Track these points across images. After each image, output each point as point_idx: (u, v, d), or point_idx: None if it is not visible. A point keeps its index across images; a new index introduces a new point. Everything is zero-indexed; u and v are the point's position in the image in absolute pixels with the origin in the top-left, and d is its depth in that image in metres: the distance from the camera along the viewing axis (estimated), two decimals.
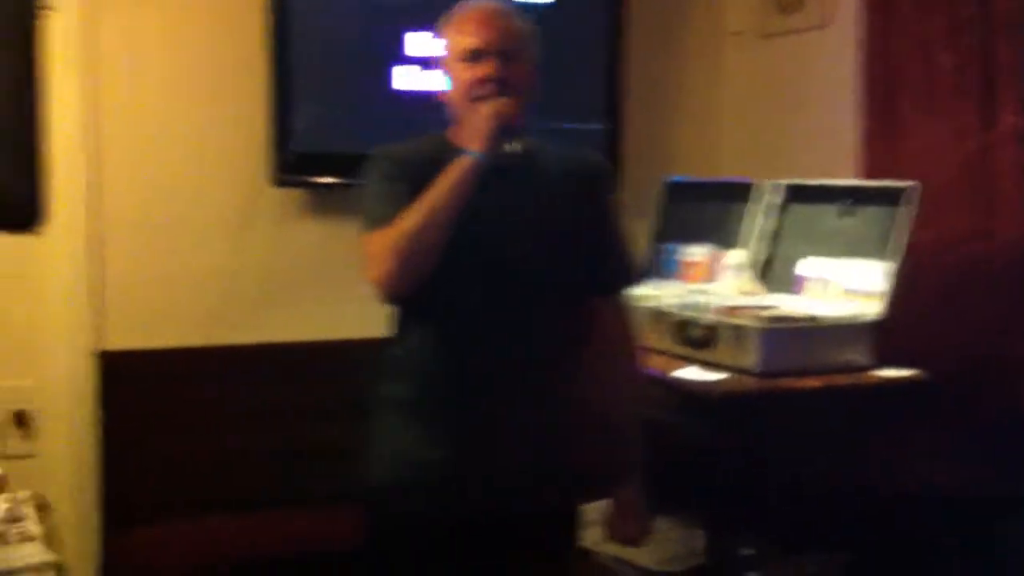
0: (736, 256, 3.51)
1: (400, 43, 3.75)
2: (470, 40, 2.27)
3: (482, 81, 2.25)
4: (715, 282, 3.55)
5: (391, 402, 2.33)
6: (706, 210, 3.78)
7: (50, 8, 1.59)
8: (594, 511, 2.57)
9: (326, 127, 3.69)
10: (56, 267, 3.45)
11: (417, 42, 3.74)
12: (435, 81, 3.65)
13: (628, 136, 4.08)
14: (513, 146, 2.21)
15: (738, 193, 3.65)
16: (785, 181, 3.51)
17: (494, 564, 2.31)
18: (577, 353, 2.40)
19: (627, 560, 3.16)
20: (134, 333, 3.55)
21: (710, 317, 3.09)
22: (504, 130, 2.19)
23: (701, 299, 3.27)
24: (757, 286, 3.42)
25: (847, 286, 3.18)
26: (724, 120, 4.32)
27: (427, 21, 3.60)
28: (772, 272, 3.47)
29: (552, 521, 2.39)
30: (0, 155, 1.54)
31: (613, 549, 3.04)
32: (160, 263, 3.60)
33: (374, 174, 2.29)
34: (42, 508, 2.42)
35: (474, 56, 2.26)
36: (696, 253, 3.69)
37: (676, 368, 3.03)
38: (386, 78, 3.75)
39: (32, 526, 2.31)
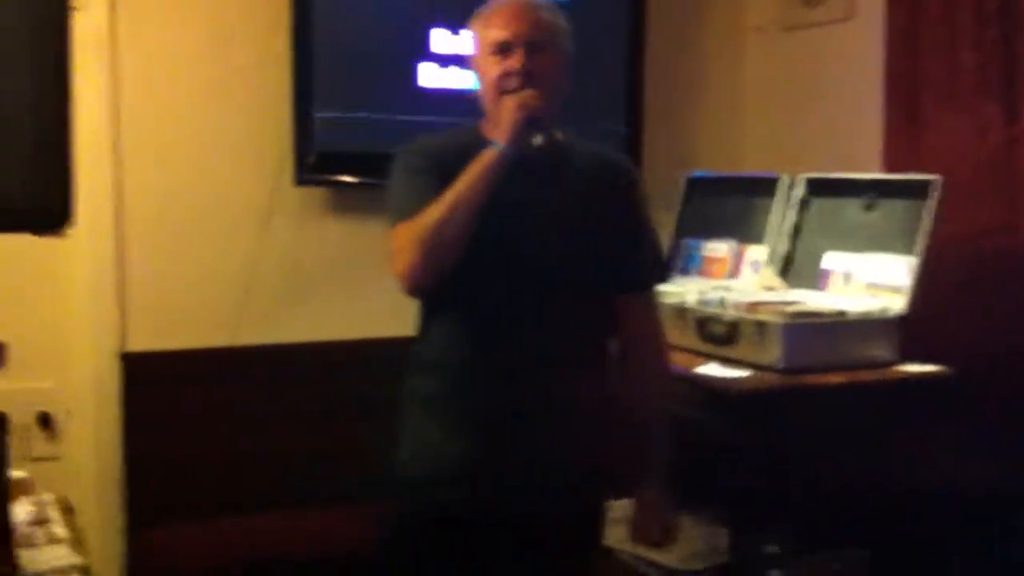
0: (758, 251, 3.50)
1: (425, 40, 3.73)
2: (498, 33, 2.27)
3: (510, 74, 2.25)
4: (737, 278, 3.54)
5: (415, 397, 2.34)
6: (728, 205, 3.76)
7: (75, 8, 1.60)
8: (618, 509, 2.57)
9: (349, 126, 3.67)
10: (81, 269, 3.47)
11: (442, 39, 3.73)
12: (461, 78, 3.70)
13: (650, 132, 4.06)
14: (539, 138, 2.20)
15: (760, 188, 3.63)
16: (807, 175, 3.49)
17: (517, 560, 2.31)
18: (601, 349, 2.39)
19: (650, 559, 3.15)
20: (156, 334, 3.56)
21: (732, 313, 3.08)
22: (531, 122, 2.18)
23: (723, 295, 3.26)
24: (780, 282, 3.40)
25: (870, 281, 3.17)
26: (746, 115, 4.30)
27: (452, 17, 3.64)
28: (795, 267, 3.46)
29: (576, 519, 2.38)
30: (33, 156, 1.54)
31: (636, 548, 3.03)
32: (182, 264, 3.61)
33: (401, 167, 2.29)
34: (67, 510, 2.43)
35: (502, 48, 2.26)
36: (718, 249, 3.68)
37: (698, 365, 3.03)
38: (411, 75, 3.72)
39: (58, 529, 2.32)
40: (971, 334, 3.10)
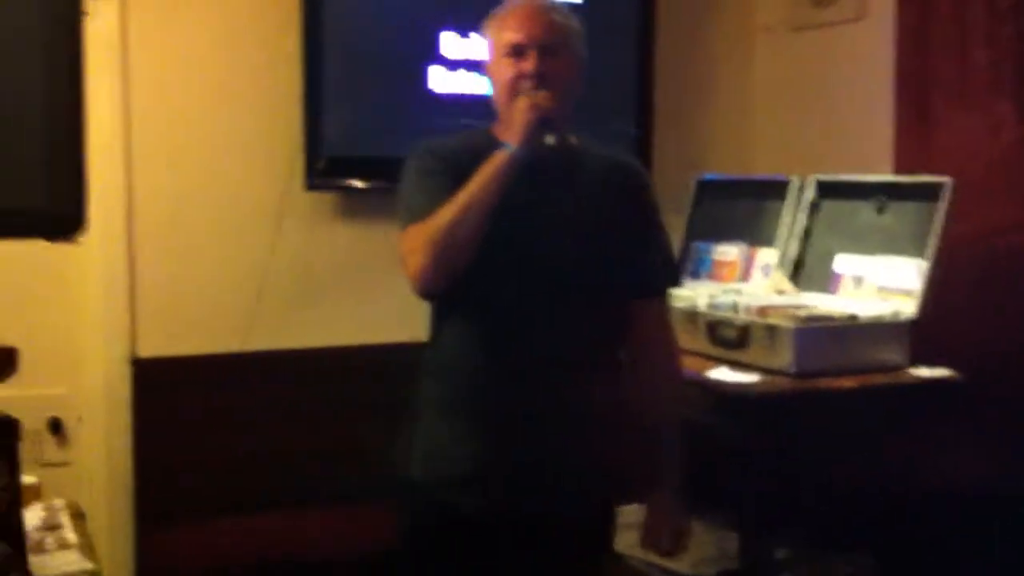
0: (769, 255, 3.49)
1: (435, 44, 3.72)
2: (512, 35, 2.27)
3: (523, 76, 2.25)
4: (748, 281, 3.53)
5: (426, 399, 2.34)
6: (738, 208, 3.75)
7: (85, 13, 1.59)
8: (628, 514, 2.56)
9: (359, 131, 3.68)
10: (92, 274, 3.47)
11: (452, 42, 3.72)
12: (470, 82, 3.69)
13: (659, 134, 4.06)
14: (551, 139, 2.19)
15: (771, 191, 3.62)
16: (818, 177, 3.48)
17: (528, 563, 2.30)
18: (613, 353, 2.39)
19: (660, 564, 3.14)
20: (167, 340, 3.57)
21: (743, 317, 3.08)
22: (543, 122, 2.18)
23: (734, 299, 3.25)
24: (790, 285, 3.39)
25: (881, 284, 3.16)
26: (756, 116, 4.29)
27: (462, 20, 3.63)
28: (806, 270, 3.45)
29: (587, 522, 2.38)
30: (48, 163, 1.54)
31: (647, 554, 3.03)
32: (193, 269, 3.61)
33: (414, 168, 2.29)
34: (78, 516, 2.43)
35: (516, 51, 2.26)
36: (729, 252, 3.67)
37: (709, 369, 3.02)
38: (421, 79, 3.72)
39: (69, 534, 2.32)
40: (983, 335, 3.09)
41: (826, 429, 2.89)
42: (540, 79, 2.24)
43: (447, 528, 2.29)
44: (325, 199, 3.75)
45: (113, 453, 3.50)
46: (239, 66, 3.64)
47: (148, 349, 3.55)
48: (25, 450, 1.97)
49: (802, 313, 3.01)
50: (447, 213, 2.12)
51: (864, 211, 3.33)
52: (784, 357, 2.91)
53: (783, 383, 2.89)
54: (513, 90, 2.26)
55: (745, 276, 3.58)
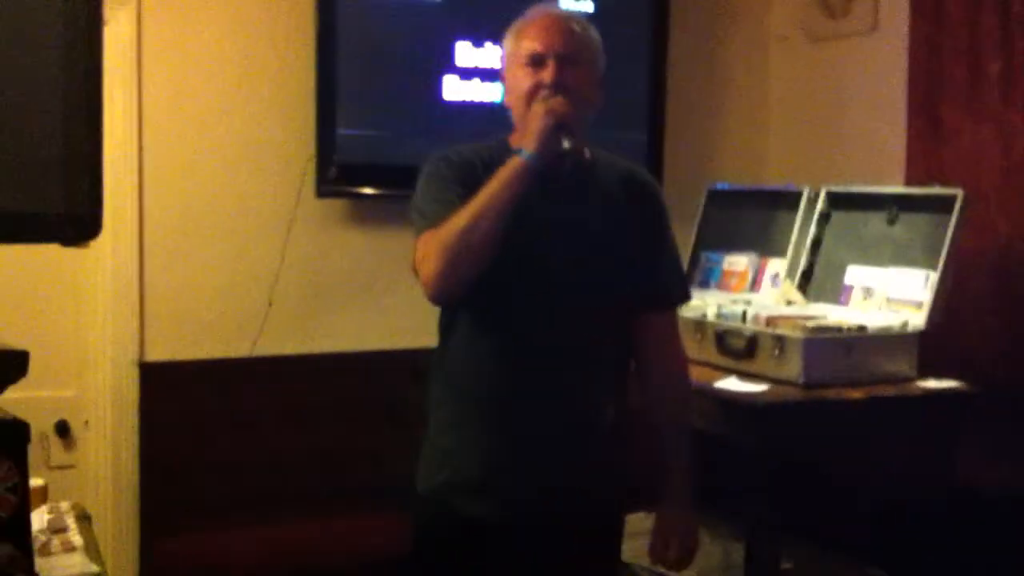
0: (779, 265, 3.48)
1: (451, 53, 3.73)
2: (531, 44, 2.27)
3: (542, 86, 2.24)
4: (758, 291, 3.52)
5: (437, 405, 2.34)
6: (749, 218, 3.74)
7: (105, 20, 1.59)
8: (636, 523, 2.55)
9: (371, 138, 3.68)
10: (101, 279, 3.48)
11: (466, 51, 3.73)
12: (483, 91, 3.70)
13: (672, 143, 4.06)
14: (567, 143, 2.18)
15: (781, 201, 3.61)
16: (829, 188, 3.47)
17: (537, 570, 2.29)
18: (623, 363, 2.39)
19: (667, 574, 3.13)
20: (175, 344, 3.58)
21: (752, 327, 3.07)
22: (559, 128, 2.16)
23: (743, 309, 3.24)
24: (800, 296, 3.38)
25: (891, 295, 3.14)
26: (769, 126, 4.29)
27: (476, 30, 3.63)
28: (815, 281, 3.43)
29: (596, 531, 2.37)
30: (65, 168, 1.54)
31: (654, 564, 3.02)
32: (202, 274, 3.62)
33: (429, 175, 2.28)
34: (83, 519, 2.43)
35: (535, 60, 2.25)
36: (738, 262, 3.66)
37: (717, 379, 3.01)
38: (435, 88, 3.73)
39: (75, 536, 2.32)
40: (993, 346, 3.08)
41: (834, 440, 2.88)
42: (559, 89, 2.23)
43: (459, 534, 2.28)
44: (336, 206, 3.75)
45: (119, 456, 3.51)
46: (252, 73, 3.66)
47: (156, 353, 3.56)
48: (32, 452, 1.98)
49: (810, 324, 3.00)
50: (462, 218, 2.12)
51: (875, 222, 3.31)
52: (792, 368, 2.90)
53: (791, 393, 2.88)
54: (531, 99, 2.25)
55: (755, 286, 3.57)
